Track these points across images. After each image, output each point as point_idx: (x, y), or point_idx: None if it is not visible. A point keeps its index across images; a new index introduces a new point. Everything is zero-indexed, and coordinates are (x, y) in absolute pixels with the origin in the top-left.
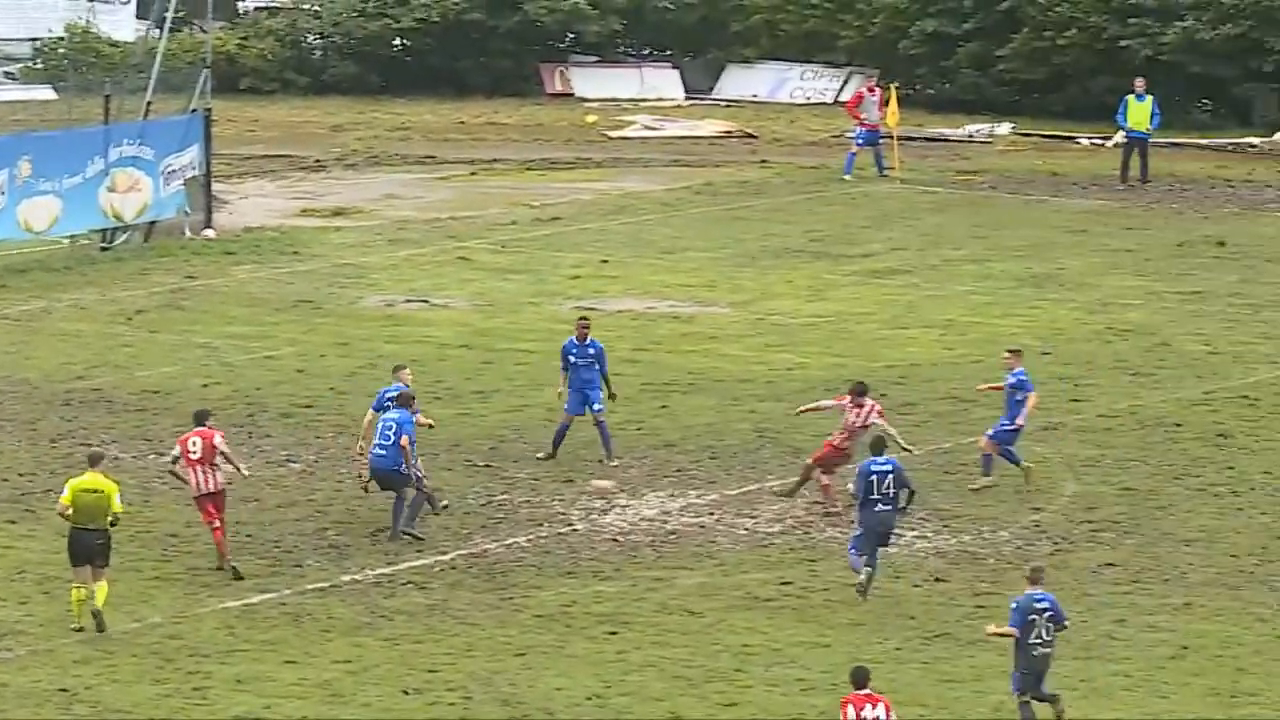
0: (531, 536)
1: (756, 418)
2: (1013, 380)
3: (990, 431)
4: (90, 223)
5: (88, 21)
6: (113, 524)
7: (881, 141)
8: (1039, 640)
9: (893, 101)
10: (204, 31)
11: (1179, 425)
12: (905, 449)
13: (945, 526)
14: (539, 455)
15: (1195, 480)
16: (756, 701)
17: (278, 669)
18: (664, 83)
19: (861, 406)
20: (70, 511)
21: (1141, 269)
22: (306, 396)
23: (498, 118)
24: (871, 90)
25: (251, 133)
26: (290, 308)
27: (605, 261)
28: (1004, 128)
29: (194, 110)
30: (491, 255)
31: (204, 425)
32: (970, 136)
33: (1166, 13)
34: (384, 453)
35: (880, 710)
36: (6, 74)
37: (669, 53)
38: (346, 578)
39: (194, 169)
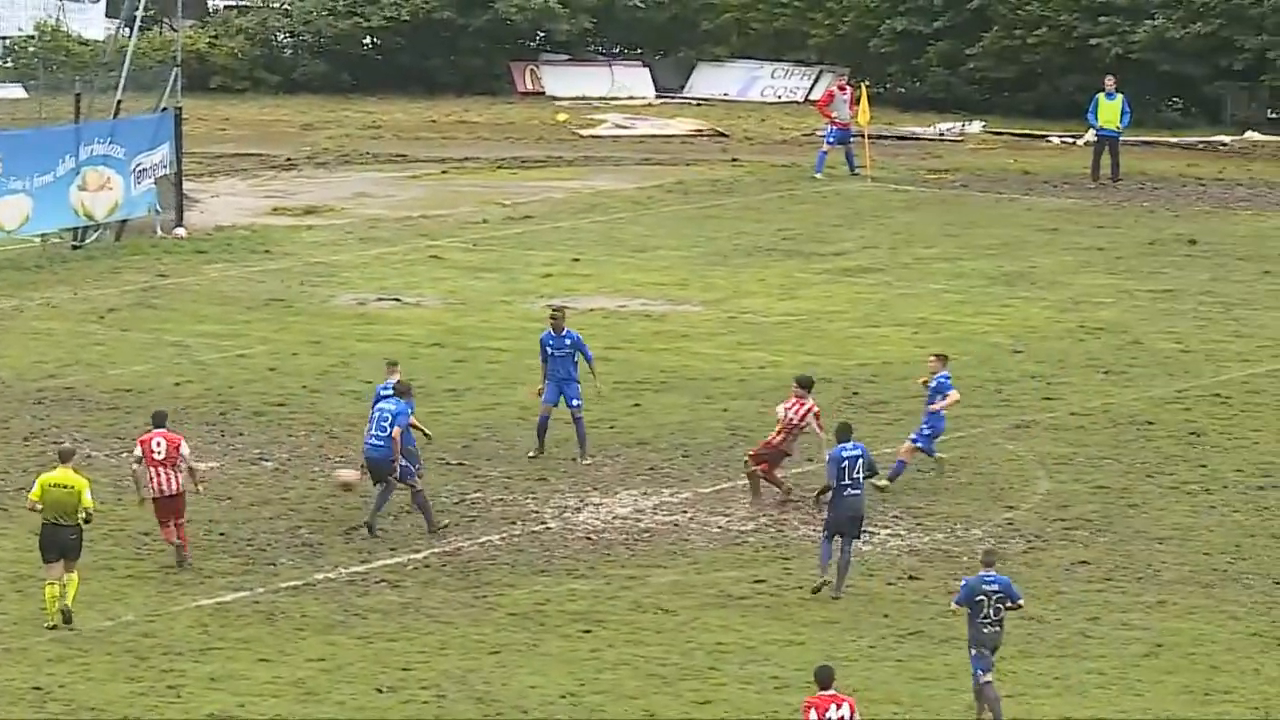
0: (505, 535)
1: (729, 416)
2: (934, 384)
3: (913, 436)
4: (61, 221)
5: (57, 20)
6: (86, 520)
7: (852, 140)
8: (986, 619)
9: (863, 100)
10: (174, 30)
11: (1151, 423)
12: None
13: (919, 524)
14: (530, 454)
15: (1168, 478)
16: (731, 699)
17: (251, 667)
18: (634, 81)
19: (803, 401)
20: (40, 506)
21: (1113, 267)
22: (279, 395)
23: (468, 116)
24: (842, 89)
25: (222, 131)
26: (262, 306)
27: (577, 260)
28: (975, 126)
29: (164, 109)
30: (463, 254)
31: (163, 427)
32: (941, 135)
33: (1136, 11)
34: (379, 443)
35: (845, 710)
36: None
37: (639, 51)
38: (320, 576)
39: (165, 168)
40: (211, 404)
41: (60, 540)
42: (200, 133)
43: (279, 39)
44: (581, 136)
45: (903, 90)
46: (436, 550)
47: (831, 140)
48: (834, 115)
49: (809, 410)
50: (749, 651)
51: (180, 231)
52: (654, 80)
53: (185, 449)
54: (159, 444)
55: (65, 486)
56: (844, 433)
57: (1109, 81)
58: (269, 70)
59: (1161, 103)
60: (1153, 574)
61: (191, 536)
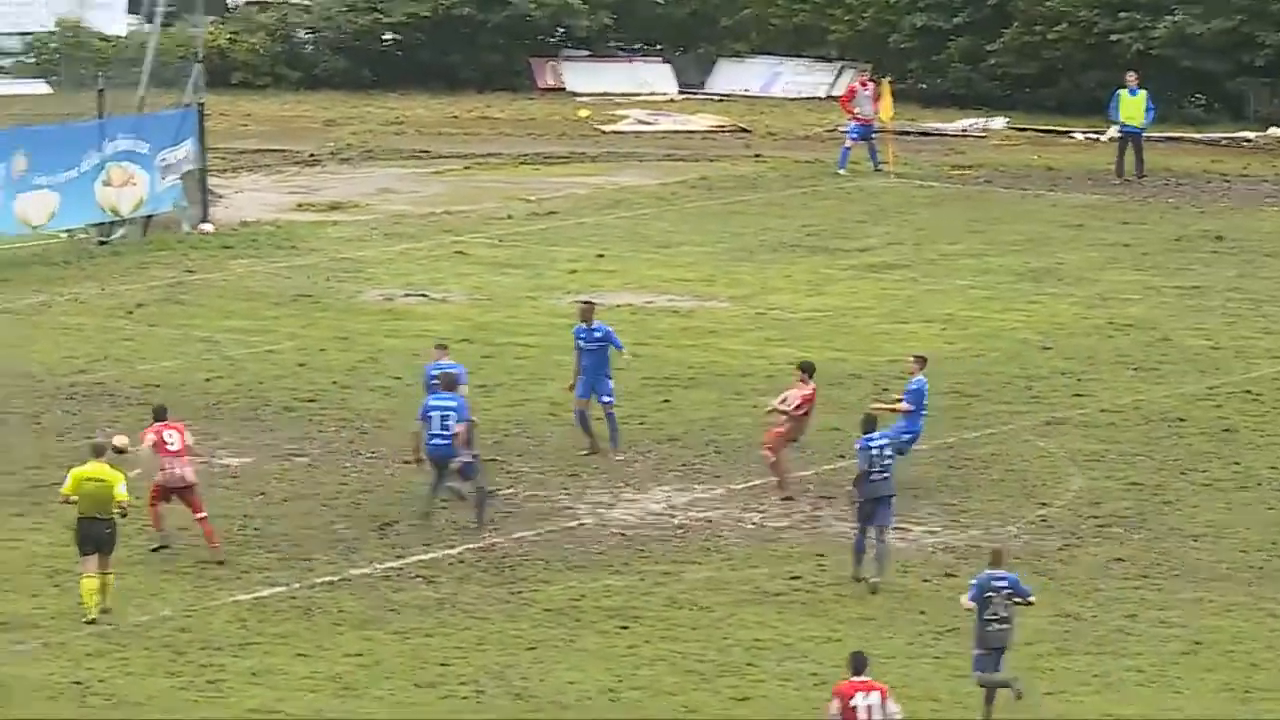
0: (538, 530)
1: (759, 412)
2: (913, 386)
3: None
4: (87, 217)
5: (79, 16)
6: (122, 515)
7: (875, 136)
8: (994, 616)
9: (886, 96)
10: (195, 26)
11: (1183, 420)
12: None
13: (953, 521)
14: (583, 451)
15: (1201, 475)
16: (769, 696)
17: (290, 662)
18: (655, 77)
19: (805, 386)
20: (74, 499)
21: (1140, 263)
22: (309, 390)
23: (490, 112)
24: (865, 85)
25: (244, 127)
26: (289, 302)
27: (602, 256)
28: (998, 122)
29: (187, 105)
30: (488, 249)
31: (164, 419)
32: (964, 131)
33: (1157, 7)
34: (444, 441)
35: (874, 698)
36: None
37: (660, 47)
38: (355, 571)
39: (189, 163)
40: (242, 400)
41: (95, 534)
42: (222, 128)
43: (299, 35)
44: (603, 132)
45: (924, 86)
46: (471, 546)
47: (854, 136)
48: (856, 111)
49: (808, 399)
50: (786, 648)
51: (206, 227)
52: (675, 76)
53: (190, 437)
54: (172, 435)
55: (98, 480)
56: (869, 424)
57: (1131, 78)
58: (290, 66)
59: (1184, 99)
60: (1189, 571)
61: (226, 532)
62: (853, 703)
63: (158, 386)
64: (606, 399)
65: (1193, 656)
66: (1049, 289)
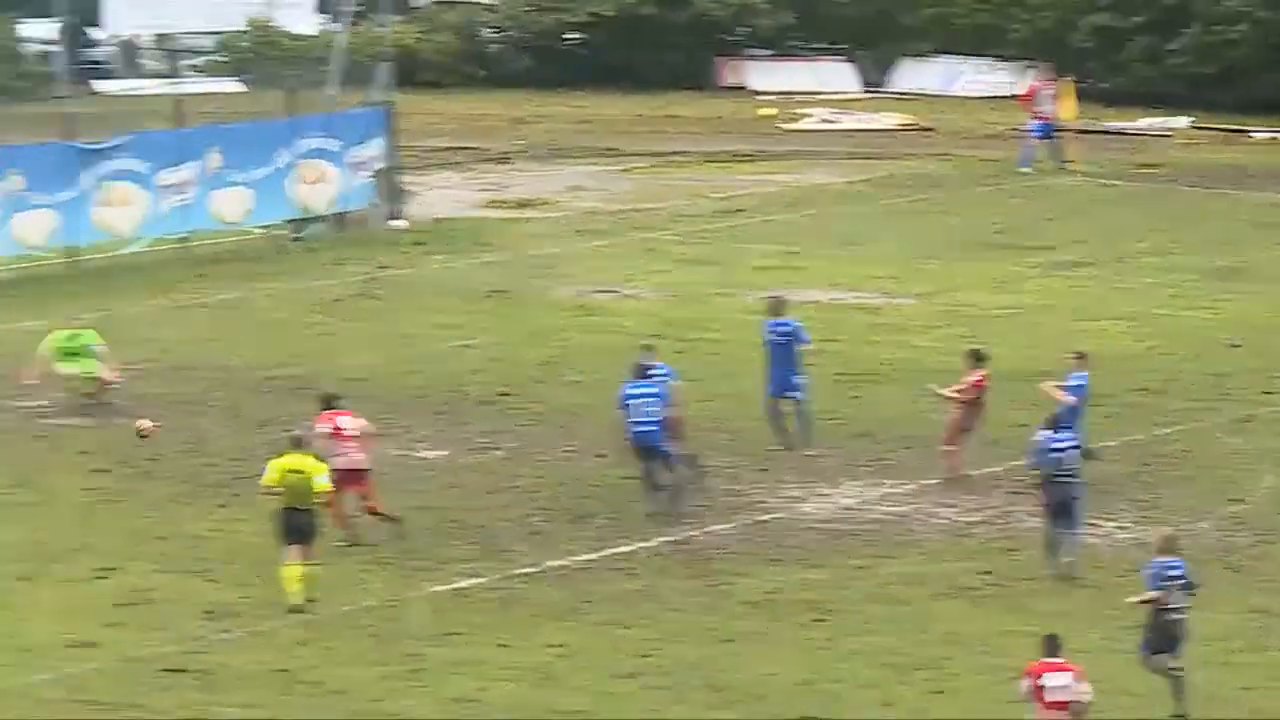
0: (733, 524)
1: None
2: (1075, 381)
3: None
4: (281, 213)
5: (269, 16)
6: (325, 505)
7: (1058, 135)
8: (1170, 607)
9: (1068, 95)
10: (381, 25)
11: None
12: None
13: (1145, 517)
14: (779, 448)
15: None
16: (965, 689)
17: (491, 652)
18: (837, 76)
19: (974, 373)
20: (277, 491)
21: None
22: (504, 384)
23: (676, 111)
24: (1047, 84)
25: (433, 125)
26: (483, 298)
27: (791, 253)
28: (1181, 121)
29: (376, 103)
30: (677, 246)
31: (336, 407)
32: (1147, 130)
33: None
34: (649, 427)
35: (1065, 678)
36: (192, 67)
37: (841, 46)
38: (553, 563)
39: (380, 161)
40: (439, 393)
41: (297, 524)
42: (411, 127)
43: (484, 35)
44: (787, 131)
45: (1105, 86)
46: (667, 539)
47: (1037, 135)
48: (1038, 110)
49: (977, 381)
50: (981, 642)
51: (399, 224)
52: (857, 75)
53: (363, 421)
54: (348, 421)
55: (298, 472)
56: (1054, 423)
57: None
58: (476, 65)
59: None
60: None
61: (426, 524)
62: (1042, 681)
63: (356, 380)
64: (796, 394)
65: None
66: (1237, 287)
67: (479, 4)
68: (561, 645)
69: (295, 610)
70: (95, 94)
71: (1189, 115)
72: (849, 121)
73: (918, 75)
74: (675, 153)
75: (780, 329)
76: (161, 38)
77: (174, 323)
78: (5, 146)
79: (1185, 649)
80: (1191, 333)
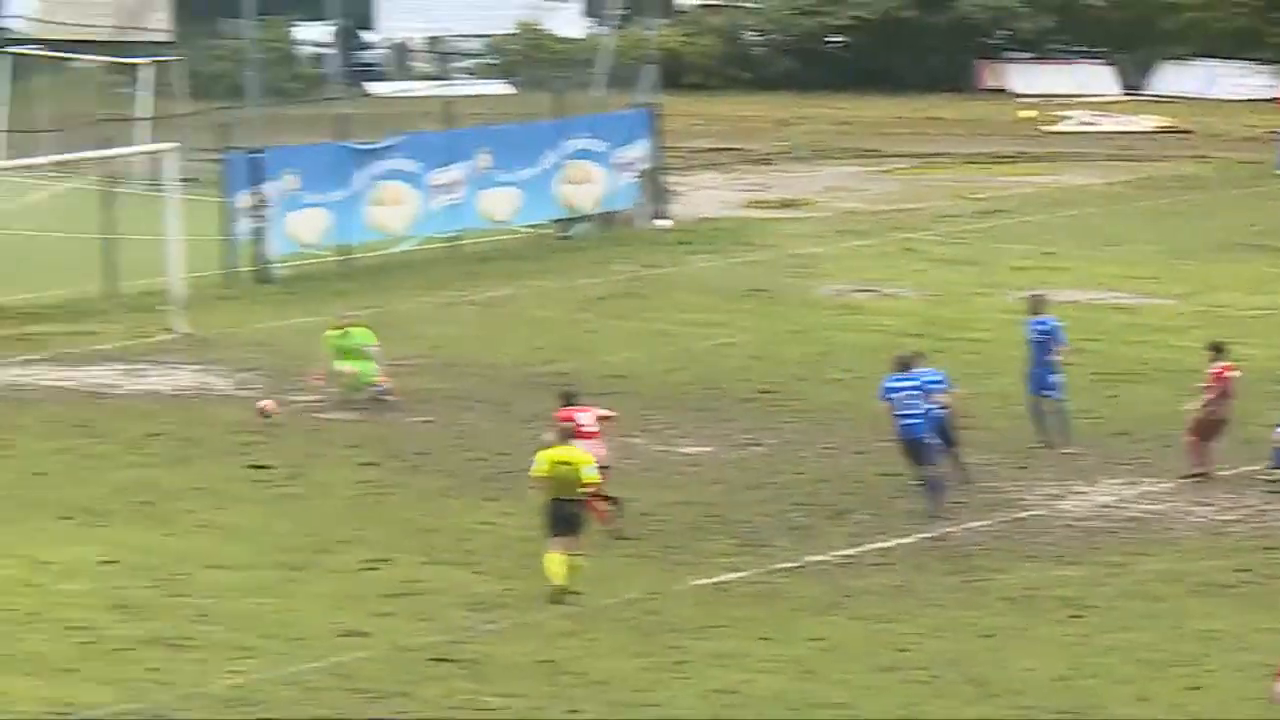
0: (990, 520)
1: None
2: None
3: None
4: (548, 213)
5: (538, 19)
6: (590, 496)
7: None
8: None
9: None
10: (648, 29)
11: None
12: None
13: None
14: (1040, 445)
15: None
16: (1221, 686)
17: (751, 645)
18: (1096, 79)
19: (1216, 366)
20: (548, 482)
21: None
22: (766, 382)
23: (936, 112)
24: None
25: (698, 127)
26: (745, 296)
27: (1049, 253)
28: None
29: (641, 105)
30: (937, 246)
31: (575, 403)
32: None
33: None
34: (913, 420)
35: None
36: (462, 69)
37: (1101, 49)
38: (812, 558)
39: (645, 161)
40: (701, 391)
41: (565, 514)
42: (675, 128)
43: (748, 37)
44: (1047, 133)
45: None
46: (925, 535)
47: None
48: None
49: (1217, 373)
50: (1237, 639)
51: (663, 223)
52: (1116, 78)
53: (603, 411)
54: (586, 417)
55: (567, 463)
56: None
57: None
58: (740, 67)
59: None
60: None
61: (686, 519)
62: None
63: (619, 377)
64: (1052, 393)
65: None
66: None
67: (743, 7)
68: (821, 639)
69: (557, 595)
70: (368, 96)
71: None
72: (1108, 124)
73: (1177, 78)
74: (936, 154)
75: (1039, 328)
76: (432, 40)
77: (443, 319)
78: (280, 147)
79: None
80: None
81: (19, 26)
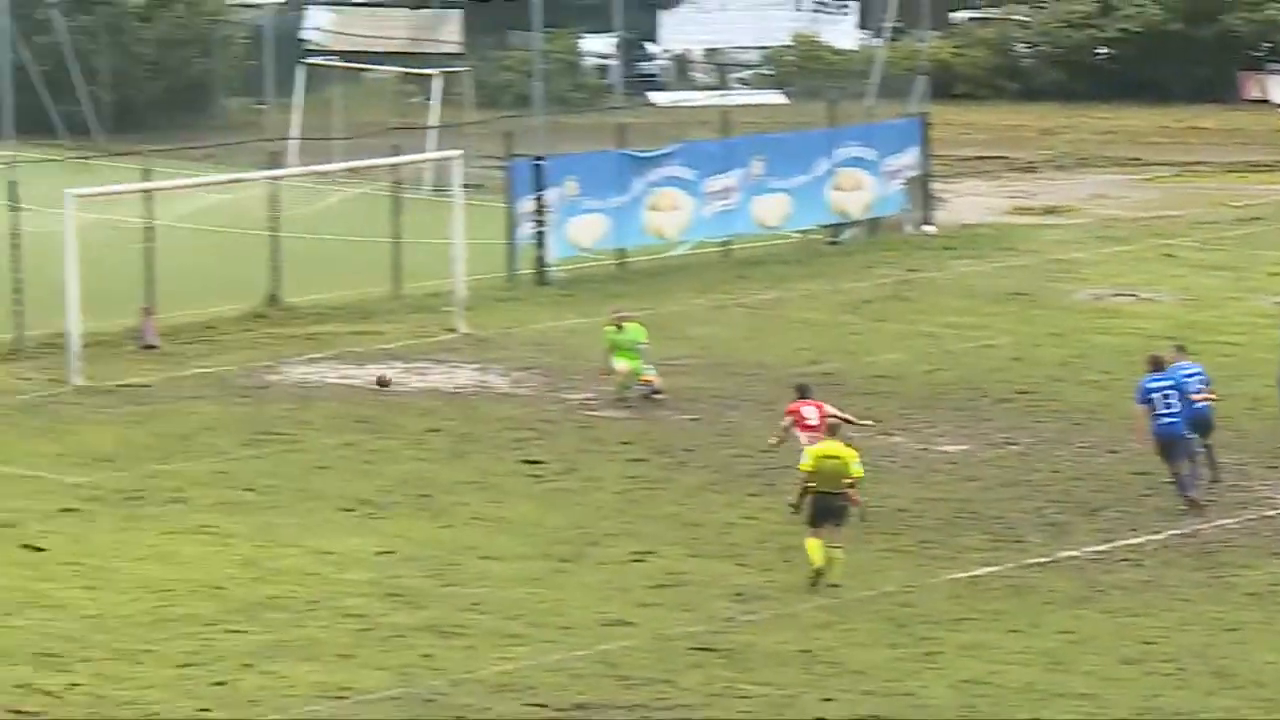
0: (1239, 518)
1: None
2: None
3: None
4: (818, 219)
5: (813, 31)
6: (851, 489)
7: None
8: None
9: None
10: (920, 41)
11: None
12: None
13: None
14: None
15: None
16: None
17: (1002, 637)
18: None
19: None
20: (813, 477)
21: None
22: (1024, 383)
23: (1199, 122)
24: None
25: (966, 135)
26: (1006, 299)
27: None
28: None
29: (912, 115)
30: (1195, 253)
31: (807, 397)
32: None
33: None
34: (1173, 419)
35: None
36: (739, 80)
37: None
38: (1064, 553)
39: (913, 169)
40: (961, 391)
41: (830, 507)
42: (944, 137)
43: (1017, 49)
44: None
45: None
46: (1175, 532)
47: None
48: None
49: None
50: None
51: (929, 229)
52: None
53: (829, 409)
54: (811, 411)
55: (834, 458)
56: None
57: None
58: (1008, 78)
59: None
60: None
61: (942, 515)
62: None
63: (882, 377)
64: None
65: None
66: None
67: (1014, 20)
68: (1070, 632)
69: (815, 578)
70: (648, 105)
71: None
72: None
73: None
74: (1197, 163)
75: None
76: (711, 52)
77: (714, 321)
78: (562, 155)
79: None
80: None
81: (315, 38)
